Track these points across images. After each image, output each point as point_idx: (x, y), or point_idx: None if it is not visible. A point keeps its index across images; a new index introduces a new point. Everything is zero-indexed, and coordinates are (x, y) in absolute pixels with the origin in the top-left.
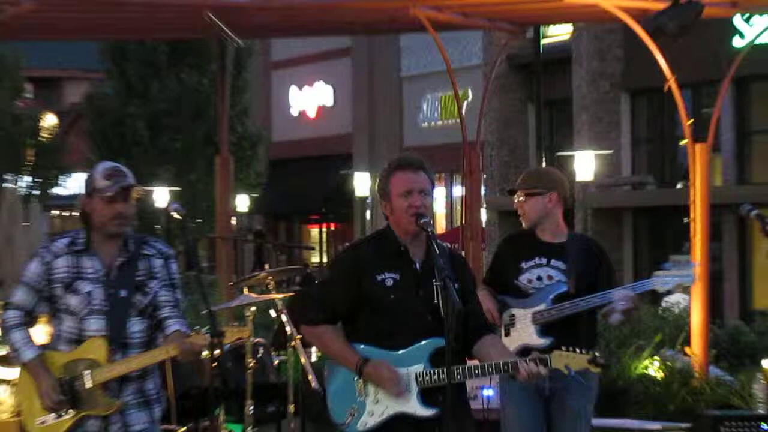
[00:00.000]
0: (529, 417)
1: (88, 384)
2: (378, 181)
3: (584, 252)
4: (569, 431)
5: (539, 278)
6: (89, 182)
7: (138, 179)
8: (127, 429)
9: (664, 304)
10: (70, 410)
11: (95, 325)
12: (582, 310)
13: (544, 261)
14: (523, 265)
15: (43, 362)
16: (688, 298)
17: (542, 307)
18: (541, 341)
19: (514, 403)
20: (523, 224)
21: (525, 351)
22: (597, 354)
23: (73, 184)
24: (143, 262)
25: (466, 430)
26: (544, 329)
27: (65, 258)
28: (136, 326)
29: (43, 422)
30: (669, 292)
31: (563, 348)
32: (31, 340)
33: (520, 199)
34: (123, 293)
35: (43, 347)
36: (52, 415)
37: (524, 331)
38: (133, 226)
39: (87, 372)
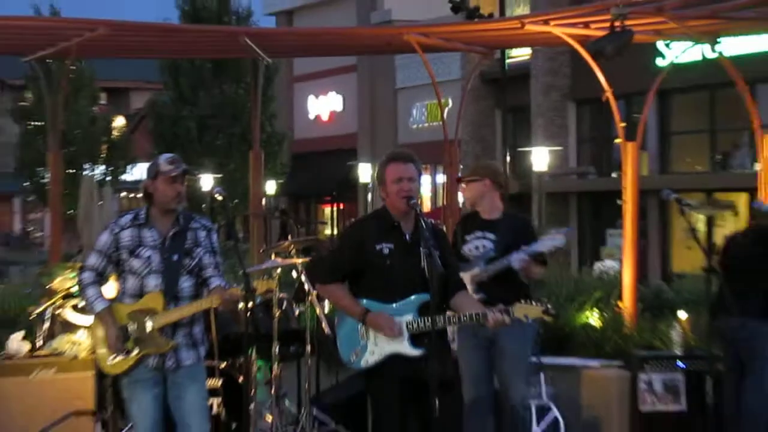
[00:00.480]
0: (476, 360)
1: (149, 328)
2: (377, 171)
3: (512, 227)
4: (508, 370)
5: (476, 247)
6: (154, 168)
7: (189, 168)
8: (179, 364)
9: (597, 270)
10: (135, 349)
11: (153, 282)
12: (500, 269)
13: (480, 234)
14: (467, 237)
15: (111, 313)
16: (619, 265)
17: (476, 270)
18: (476, 297)
19: (464, 350)
20: (467, 205)
21: None
22: (549, 306)
23: (138, 172)
24: (191, 233)
25: (446, 367)
26: (479, 286)
27: (130, 230)
28: (185, 283)
29: (113, 359)
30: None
31: (522, 301)
32: (102, 295)
33: (462, 185)
34: (175, 257)
35: (112, 301)
36: (121, 354)
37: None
38: (183, 206)
39: (147, 319)
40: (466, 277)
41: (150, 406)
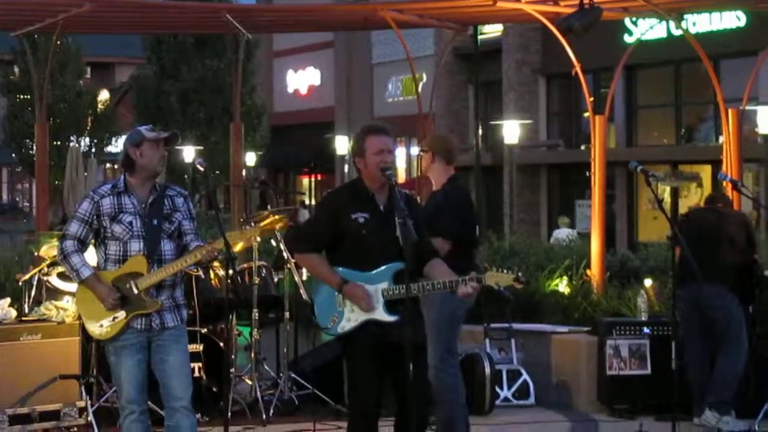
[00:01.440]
0: None
1: (135, 290)
2: (354, 142)
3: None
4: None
5: None
6: (137, 136)
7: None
8: (164, 325)
9: (553, 239)
10: (122, 312)
11: (136, 246)
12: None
13: None
14: None
15: (98, 276)
16: (574, 233)
17: None
18: None
19: None
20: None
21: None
22: (520, 274)
23: (121, 143)
24: (168, 200)
25: (419, 332)
26: None
27: (109, 198)
28: (166, 246)
29: (101, 325)
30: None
31: (493, 269)
32: (86, 262)
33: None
34: (155, 222)
35: (95, 268)
36: (109, 318)
37: None
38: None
39: (133, 282)
40: None
41: (135, 370)
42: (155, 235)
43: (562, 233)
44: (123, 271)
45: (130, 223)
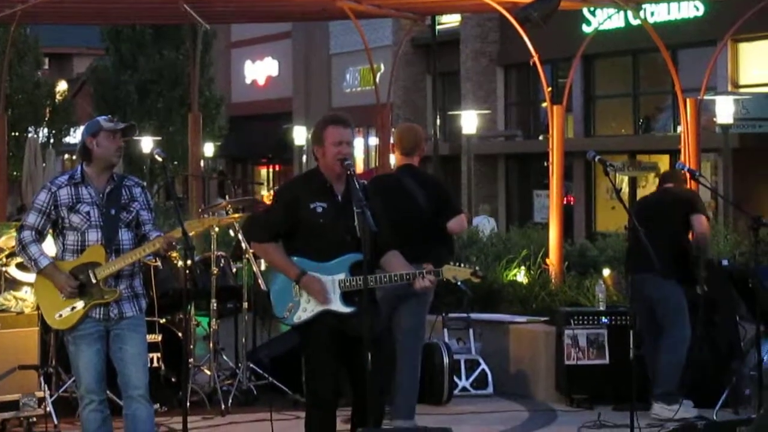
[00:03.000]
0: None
1: (93, 280)
2: (314, 131)
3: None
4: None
5: None
6: (95, 125)
7: (131, 123)
8: (122, 315)
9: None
10: (80, 302)
11: (93, 236)
12: None
13: None
14: None
15: (56, 266)
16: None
17: None
18: None
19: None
20: None
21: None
22: (477, 268)
23: (80, 134)
24: (125, 190)
25: (375, 323)
26: None
27: (66, 188)
28: (125, 235)
29: (60, 315)
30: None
31: (451, 263)
32: (44, 252)
33: None
34: (113, 211)
35: (53, 259)
36: (68, 308)
37: None
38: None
39: (91, 271)
40: None
41: (94, 360)
42: (113, 225)
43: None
44: (81, 261)
45: (88, 213)
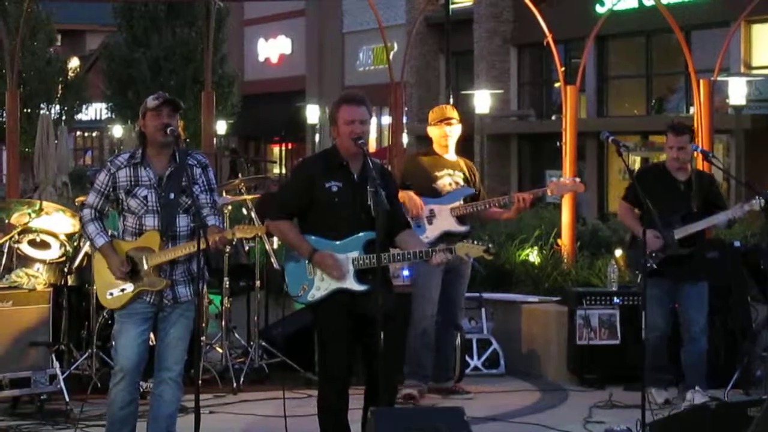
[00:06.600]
0: (436, 282)
1: (145, 266)
2: (330, 110)
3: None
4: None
5: (450, 183)
6: (143, 107)
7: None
8: (176, 299)
9: None
10: (130, 285)
11: (150, 221)
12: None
13: (451, 172)
14: (437, 174)
15: (113, 246)
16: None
17: (458, 203)
18: (462, 228)
19: (425, 275)
20: (449, 147)
21: (447, 235)
22: (490, 245)
23: (92, 111)
24: (188, 170)
25: (388, 302)
26: (459, 219)
27: (126, 170)
28: (182, 221)
29: (111, 294)
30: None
31: (465, 240)
32: (103, 231)
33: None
34: (172, 195)
35: (112, 237)
36: (118, 288)
37: (445, 221)
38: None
39: (144, 257)
40: (443, 210)
41: (137, 341)
42: (171, 210)
43: None
44: (137, 245)
45: (145, 197)
